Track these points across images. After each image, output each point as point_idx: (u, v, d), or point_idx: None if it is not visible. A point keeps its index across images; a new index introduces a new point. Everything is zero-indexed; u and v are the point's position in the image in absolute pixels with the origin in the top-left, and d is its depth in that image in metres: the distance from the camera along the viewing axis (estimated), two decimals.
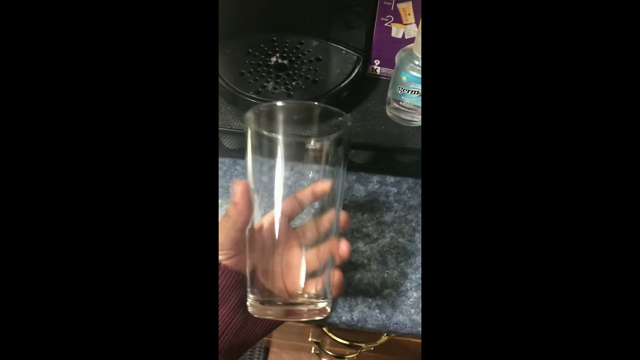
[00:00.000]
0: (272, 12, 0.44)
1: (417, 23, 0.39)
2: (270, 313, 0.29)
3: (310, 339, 0.69)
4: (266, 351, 1.10)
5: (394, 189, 0.46)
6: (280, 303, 0.29)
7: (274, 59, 0.43)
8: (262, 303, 0.29)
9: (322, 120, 0.38)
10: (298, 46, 0.44)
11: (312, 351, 0.78)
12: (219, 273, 0.29)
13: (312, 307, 0.29)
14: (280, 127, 0.31)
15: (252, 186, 0.30)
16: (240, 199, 0.28)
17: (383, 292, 0.40)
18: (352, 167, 0.46)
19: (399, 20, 0.38)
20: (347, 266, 0.41)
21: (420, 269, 0.41)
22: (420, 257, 0.41)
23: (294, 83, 0.41)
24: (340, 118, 0.32)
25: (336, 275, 0.30)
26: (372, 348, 0.54)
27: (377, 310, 0.39)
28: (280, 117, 0.31)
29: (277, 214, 0.29)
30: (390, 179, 0.46)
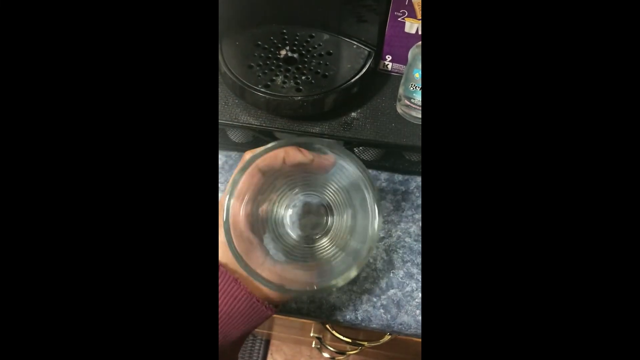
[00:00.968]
0: (283, 4, 0.43)
1: None
2: None
3: (311, 334, 0.68)
4: (267, 344, 1.10)
5: (402, 188, 0.45)
6: None
7: (283, 52, 0.42)
8: None
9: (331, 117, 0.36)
10: (308, 39, 0.43)
11: (313, 345, 0.79)
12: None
13: None
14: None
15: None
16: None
17: (388, 291, 0.39)
18: None
19: (413, 15, 0.37)
20: None
21: None
22: None
23: (303, 77, 0.40)
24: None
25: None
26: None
27: (381, 310, 0.39)
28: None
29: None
30: (399, 177, 0.46)
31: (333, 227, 0.32)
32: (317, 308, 0.39)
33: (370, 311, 0.38)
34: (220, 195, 0.44)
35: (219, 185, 0.45)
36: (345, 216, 0.32)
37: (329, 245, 0.32)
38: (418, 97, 0.38)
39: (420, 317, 0.38)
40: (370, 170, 0.46)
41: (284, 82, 0.40)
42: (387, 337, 0.49)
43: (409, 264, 0.41)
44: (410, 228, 0.43)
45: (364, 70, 0.41)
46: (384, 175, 0.46)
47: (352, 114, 0.41)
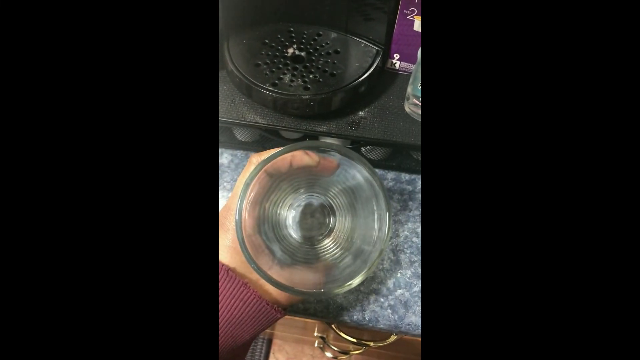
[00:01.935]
0: (290, 2, 0.43)
1: None
2: None
3: (315, 334, 0.68)
4: (269, 343, 1.10)
5: (409, 187, 0.45)
6: None
7: (291, 51, 0.42)
8: None
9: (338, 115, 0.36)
10: (316, 38, 0.43)
11: (316, 345, 0.78)
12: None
13: None
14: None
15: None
16: None
17: (396, 292, 0.39)
18: None
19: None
20: None
21: None
22: None
23: (311, 76, 0.40)
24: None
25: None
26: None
27: (389, 311, 0.38)
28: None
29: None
30: (406, 177, 0.45)
31: (335, 228, 0.33)
32: (324, 308, 0.38)
33: (378, 311, 0.38)
34: (220, 197, 0.44)
35: (225, 184, 0.44)
36: (347, 217, 0.32)
37: (333, 246, 0.32)
38: None
39: None
40: (377, 169, 0.46)
41: (291, 81, 0.39)
42: (393, 338, 0.49)
43: (416, 264, 0.40)
44: (418, 228, 0.42)
45: (371, 69, 0.41)
46: (390, 175, 0.45)
47: (360, 112, 0.41)
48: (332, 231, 0.32)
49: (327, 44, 0.42)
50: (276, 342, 1.11)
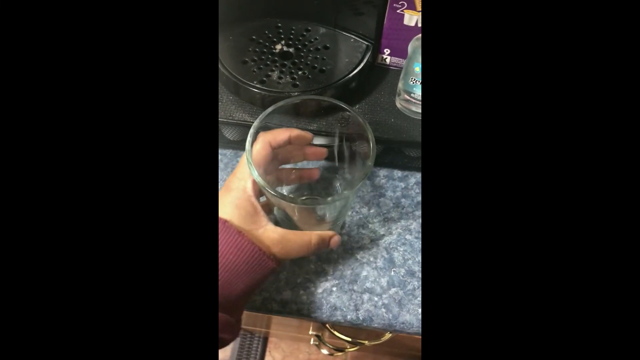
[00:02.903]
0: None
1: None
2: None
3: (310, 332, 0.68)
4: (265, 341, 1.10)
5: (402, 184, 0.44)
6: None
7: (279, 47, 0.41)
8: None
9: (328, 113, 0.37)
10: (304, 33, 0.42)
11: (312, 342, 0.78)
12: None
13: None
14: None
15: None
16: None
17: (390, 290, 0.39)
18: None
19: (412, 7, 0.36)
20: (353, 263, 0.40)
21: None
22: None
23: (300, 72, 0.39)
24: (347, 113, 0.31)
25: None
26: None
27: (383, 310, 0.38)
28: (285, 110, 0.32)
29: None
30: (398, 174, 0.45)
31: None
32: (317, 309, 0.38)
33: (372, 310, 0.38)
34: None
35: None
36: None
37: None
38: (418, 92, 0.37)
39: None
40: None
41: (279, 78, 0.38)
42: (387, 335, 0.48)
43: (410, 261, 0.40)
44: (411, 225, 0.42)
45: (362, 64, 0.40)
46: (383, 172, 0.45)
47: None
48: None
49: (316, 39, 0.42)
50: (272, 340, 1.10)
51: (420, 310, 0.38)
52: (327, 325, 0.50)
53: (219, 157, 0.45)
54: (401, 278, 0.39)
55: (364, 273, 0.39)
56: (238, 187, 0.30)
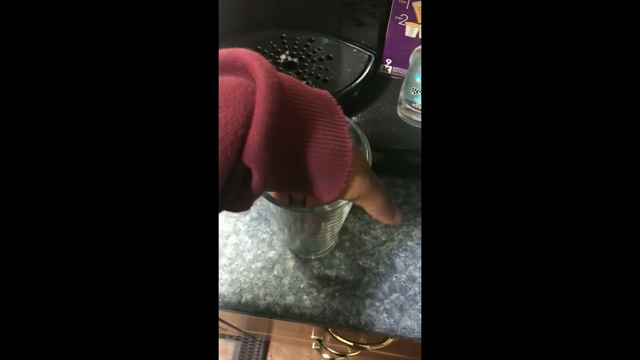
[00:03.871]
0: (282, 8, 0.43)
1: None
2: None
3: (312, 336, 0.68)
4: (266, 345, 1.10)
5: (403, 191, 0.45)
6: None
7: (283, 57, 0.42)
8: None
9: None
10: (308, 44, 0.43)
11: (313, 347, 0.78)
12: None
13: None
14: None
15: None
16: None
17: (391, 295, 0.39)
18: None
19: (413, 19, 0.37)
20: (355, 269, 0.41)
21: None
22: None
23: (303, 82, 0.40)
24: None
25: None
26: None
27: (384, 315, 0.39)
28: None
29: None
30: (399, 181, 0.46)
31: None
32: (320, 313, 0.39)
33: (374, 315, 0.39)
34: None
35: None
36: None
37: None
38: (419, 101, 0.38)
39: None
40: None
41: None
42: (389, 340, 0.49)
43: (411, 267, 0.41)
44: (412, 231, 0.43)
45: (364, 74, 0.41)
46: (384, 179, 0.46)
47: (353, 118, 0.41)
48: None
49: (320, 49, 0.43)
50: (273, 344, 1.11)
51: (421, 315, 0.39)
52: (329, 329, 0.50)
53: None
54: (402, 284, 0.40)
55: (366, 279, 0.40)
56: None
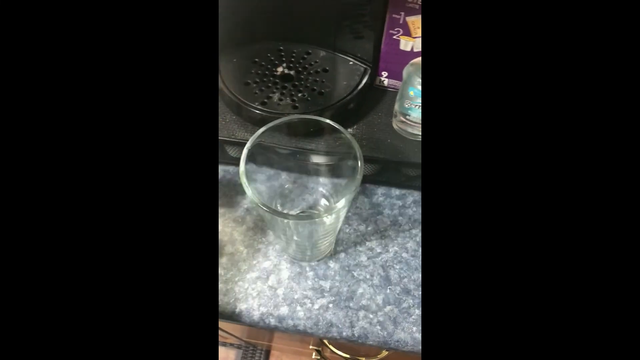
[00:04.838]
0: (279, 22, 0.44)
1: None
2: None
3: (310, 347, 0.68)
4: (267, 354, 1.09)
5: (399, 202, 0.45)
6: None
7: (280, 69, 0.42)
8: None
9: (319, 132, 0.38)
10: (305, 56, 0.44)
11: (313, 357, 0.78)
12: None
13: None
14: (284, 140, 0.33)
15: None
16: None
17: (385, 308, 0.39)
18: None
19: (407, 33, 0.38)
20: (350, 280, 0.40)
21: None
22: None
23: (299, 94, 0.40)
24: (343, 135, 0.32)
25: None
26: None
27: (378, 327, 0.38)
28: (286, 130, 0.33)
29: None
30: (396, 192, 0.46)
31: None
32: (314, 325, 0.39)
33: (367, 328, 0.38)
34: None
35: (219, 199, 0.45)
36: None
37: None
38: (413, 114, 0.39)
39: (417, 334, 0.38)
40: (366, 185, 0.46)
41: (280, 100, 0.40)
42: (384, 353, 0.49)
43: (405, 279, 0.41)
44: (407, 243, 0.43)
45: (360, 86, 0.41)
46: (380, 190, 0.46)
47: (349, 130, 0.42)
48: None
49: (316, 62, 0.43)
50: (274, 353, 1.10)
51: (414, 328, 0.38)
52: (325, 341, 0.50)
53: (222, 173, 0.46)
54: (397, 296, 0.40)
55: (360, 290, 0.40)
56: None
